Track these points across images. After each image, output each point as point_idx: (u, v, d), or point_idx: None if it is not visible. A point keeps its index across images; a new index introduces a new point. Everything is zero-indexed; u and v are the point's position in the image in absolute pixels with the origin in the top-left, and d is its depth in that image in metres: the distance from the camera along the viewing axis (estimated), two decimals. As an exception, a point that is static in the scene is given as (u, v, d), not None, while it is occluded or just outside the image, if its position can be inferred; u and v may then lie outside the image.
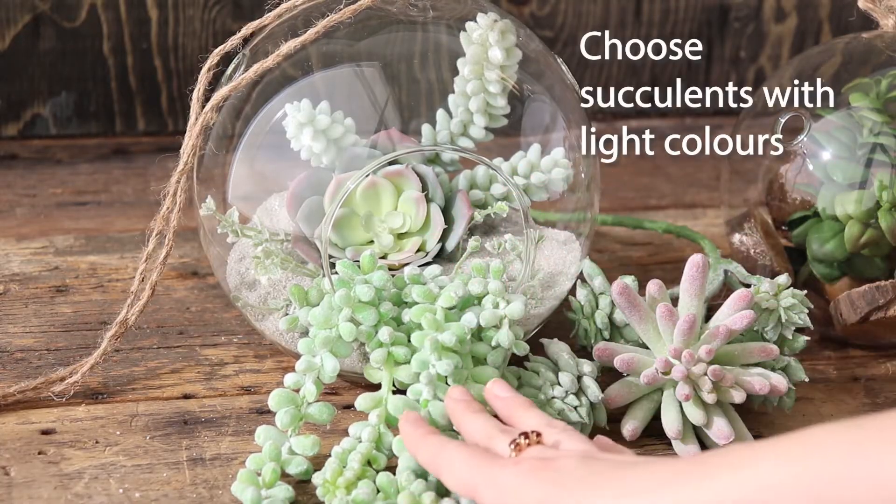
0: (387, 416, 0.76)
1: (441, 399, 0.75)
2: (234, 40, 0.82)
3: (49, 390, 0.80)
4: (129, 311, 0.82)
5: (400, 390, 0.77)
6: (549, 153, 0.84)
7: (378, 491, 0.72)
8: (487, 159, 0.81)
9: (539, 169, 0.84)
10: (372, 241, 0.83)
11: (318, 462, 0.75)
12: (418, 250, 0.83)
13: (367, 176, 0.80)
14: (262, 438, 0.76)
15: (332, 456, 0.74)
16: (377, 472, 0.74)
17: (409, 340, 0.78)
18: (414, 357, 0.76)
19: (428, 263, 0.82)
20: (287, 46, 0.80)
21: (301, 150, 0.81)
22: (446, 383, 0.75)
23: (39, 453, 0.76)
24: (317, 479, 0.73)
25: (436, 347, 0.75)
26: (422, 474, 0.72)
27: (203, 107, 0.81)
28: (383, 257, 0.82)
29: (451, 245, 0.83)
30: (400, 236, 0.83)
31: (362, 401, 0.76)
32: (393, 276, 0.79)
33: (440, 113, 0.84)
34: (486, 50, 0.82)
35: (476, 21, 0.82)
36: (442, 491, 0.72)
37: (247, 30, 0.82)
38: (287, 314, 0.82)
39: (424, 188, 0.83)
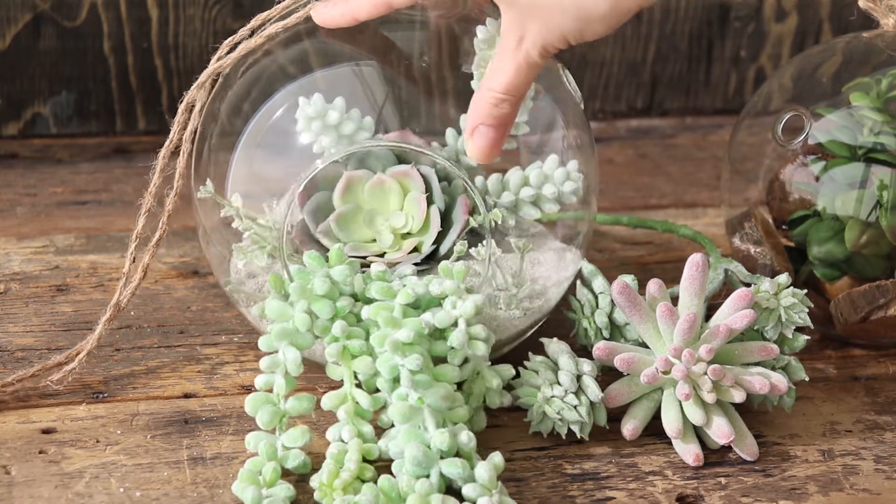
0: (356, 409, 0.76)
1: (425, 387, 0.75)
2: (243, 31, 0.83)
3: (47, 379, 0.80)
4: (122, 293, 0.82)
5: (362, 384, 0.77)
6: (550, 155, 0.84)
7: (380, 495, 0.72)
8: (457, 168, 0.81)
9: (552, 180, 0.83)
10: (374, 239, 0.83)
11: (313, 454, 0.75)
12: (414, 251, 0.83)
13: (346, 160, 0.81)
14: (253, 444, 0.76)
15: (328, 458, 0.74)
16: (374, 465, 0.74)
17: (368, 336, 0.78)
18: (379, 363, 0.76)
19: (417, 264, 0.82)
20: (273, 27, 0.81)
21: (313, 144, 0.81)
22: None
23: (40, 452, 0.76)
24: (314, 481, 0.72)
25: (397, 348, 0.75)
26: (421, 474, 0.72)
27: (208, 96, 0.83)
28: (381, 255, 0.83)
29: (444, 248, 0.83)
30: (401, 236, 0.83)
31: (328, 400, 0.77)
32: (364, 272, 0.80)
33: (449, 132, 0.84)
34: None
35: (486, 25, 0.81)
36: (444, 487, 0.73)
37: (255, 21, 0.83)
38: None
39: (428, 189, 0.83)
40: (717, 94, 1.26)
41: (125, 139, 1.13)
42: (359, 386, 0.77)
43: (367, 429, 0.76)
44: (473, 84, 0.82)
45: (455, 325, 0.77)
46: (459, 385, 0.78)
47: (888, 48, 0.89)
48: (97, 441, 0.77)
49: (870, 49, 0.89)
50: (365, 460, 0.74)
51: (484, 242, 0.81)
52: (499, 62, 0.76)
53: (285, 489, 0.73)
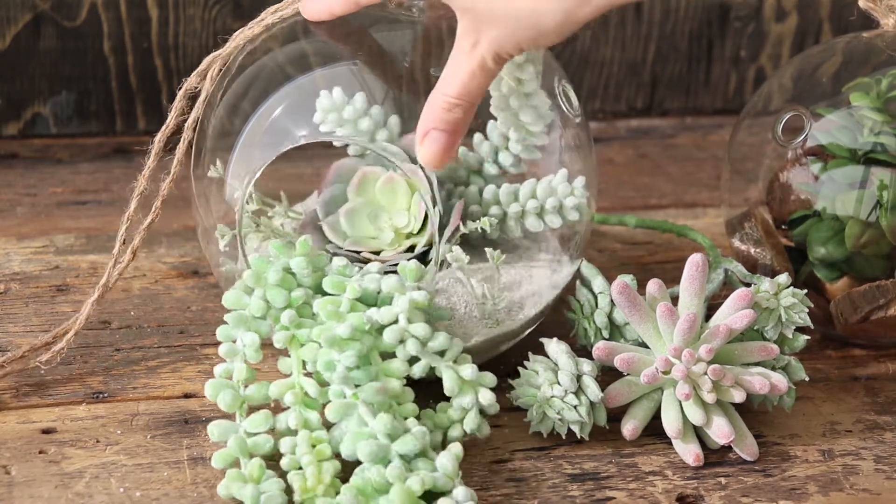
0: (304, 398, 0.76)
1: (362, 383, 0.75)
2: (252, 24, 0.83)
3: (36, 361, 0.81)
4: (110, 274, 0.83)
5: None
6: (560, 170, 0.83)
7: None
8: (396, 162, 0.80)
9: (556, 194, 0.83)
10: (376, 236, 0.84)
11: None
12: (408, 251, 0.83)
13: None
14: (217, 434, 0.75)
15: (289, 472, 0.73)
16: (329, 443, 0.74)
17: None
18: (319, 357, 0.76)
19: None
20: (271, 17, 0.82)
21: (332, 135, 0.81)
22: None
23: (40, 452, 0.76)
24: (296, 497, 0.72)
25: (332, 343, 0.75)
26: (382, 459, 0.72)
27: (210, 86, 0.83)
28: (377, 253, 0.83)
29: (433, 252, 0.83)
30: (404, 235, 0.84)
31: (275, 388, 0.77)
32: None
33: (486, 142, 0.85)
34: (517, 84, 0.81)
35: None
36: (410, 468, 0.73)
37: (265, 14, 0.83)
38: None
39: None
40: (717, 94, 1.26)
41: (125, 139, 1.13)
42: (309, 376, 0.77)
43: (314, 416, 0.76)
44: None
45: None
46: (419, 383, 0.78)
47: (888, 48, 0.89)
48: (97, 441, 0.77)
49: (870, 49, 0.89)
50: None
51: (484, 251, 0.81)
52: (453, 66, 0.76)
53: (276, 483, 0.72)
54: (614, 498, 0.76)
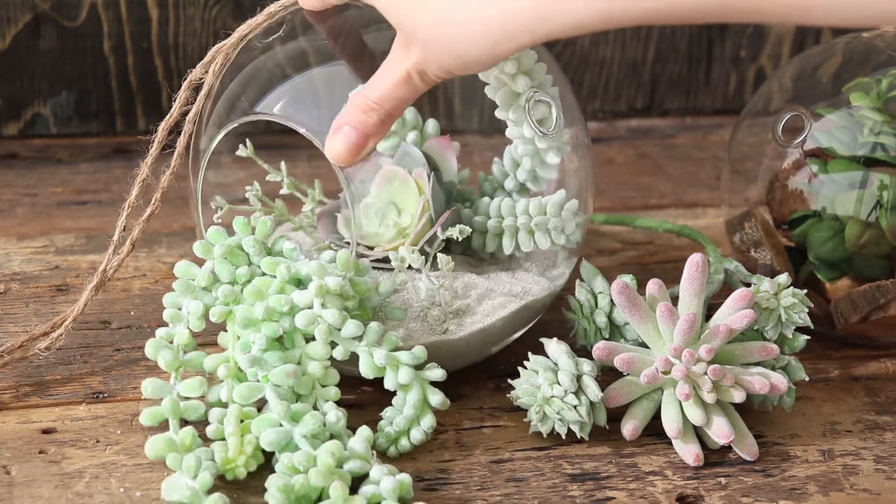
0: (237, 374, 0.77)
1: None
2: (258, 17, 0.83)
3: (35, 348, 0.81)
4: (109, 262, 0.83)
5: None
6: (559, 190, 0.83)
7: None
8: (318, 143, 0.80)
9: (545, 212, 0.83)
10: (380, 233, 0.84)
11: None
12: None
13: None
14: (150, 391, 0.76)
15: (215, 443, 0.74)
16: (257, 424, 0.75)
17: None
18: (242, 337, 0.76)
19: (384, 260, 0.83)
20: (274, 6, 0.82)
21: None
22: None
23: (40, 452, 0.76)
24: (220, 468, 0.73)
25: (248, 324, 0.76)
26: (287, 446, 0.73)
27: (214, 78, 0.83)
28: (372, 248, 0.83)
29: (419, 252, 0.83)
30: (402, 234, 0.84)
31: (210, 361, 0.78)
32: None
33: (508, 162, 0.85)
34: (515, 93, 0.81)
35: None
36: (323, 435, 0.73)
37: (271, 8, 0.83)
38: None
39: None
40: (717, 94, 1.26)
41: (125, 139, 1.13)
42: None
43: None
44: (488, 91, 0.81)
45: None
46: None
47: (888, 48, 0.89)
48: (97, 441, 0.77)
49: (870, 49, 0.90)
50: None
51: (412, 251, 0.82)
52: (381, 71, 0.77)
53: (207, 452, 0.73)
54: (614, 498, 0.76)
